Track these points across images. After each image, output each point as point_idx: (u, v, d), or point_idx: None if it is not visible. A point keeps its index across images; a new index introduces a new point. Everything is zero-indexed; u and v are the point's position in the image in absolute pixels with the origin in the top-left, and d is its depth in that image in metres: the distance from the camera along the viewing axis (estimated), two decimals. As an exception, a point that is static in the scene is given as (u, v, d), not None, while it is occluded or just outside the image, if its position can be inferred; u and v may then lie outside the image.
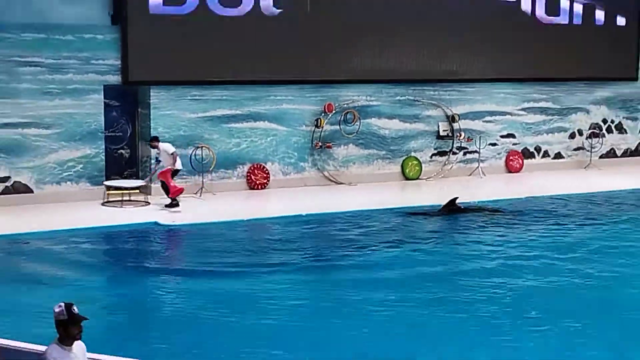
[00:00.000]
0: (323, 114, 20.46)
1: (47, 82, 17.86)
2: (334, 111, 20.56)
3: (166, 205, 17.74)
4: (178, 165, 17.95)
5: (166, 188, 17.86)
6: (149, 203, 18.05)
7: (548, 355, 10.20)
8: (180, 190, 17.76)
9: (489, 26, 22.20)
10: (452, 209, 18.12)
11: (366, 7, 20.66)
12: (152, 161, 18.30)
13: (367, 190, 20.08)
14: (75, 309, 6.81)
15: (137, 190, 18.30)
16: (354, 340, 10.68)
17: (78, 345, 6.89)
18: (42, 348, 7.81)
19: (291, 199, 18.96)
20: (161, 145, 18.00)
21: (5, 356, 8.65)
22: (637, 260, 15.58)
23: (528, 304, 12.26)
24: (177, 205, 17.67)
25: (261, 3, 19.50)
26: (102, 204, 17.89)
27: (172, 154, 17.80)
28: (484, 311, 11.86)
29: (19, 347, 8.74)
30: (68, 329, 6.75)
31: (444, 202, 18.55)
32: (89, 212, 17.32)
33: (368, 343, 10.64)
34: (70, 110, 18.05)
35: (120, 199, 17.97)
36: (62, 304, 6.80)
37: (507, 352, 10.24)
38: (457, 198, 18.33)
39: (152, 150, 18.44)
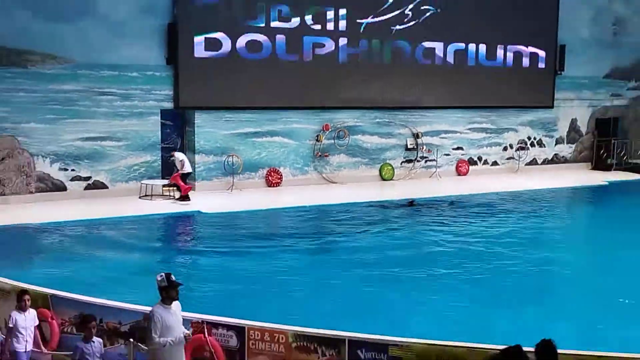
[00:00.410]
0: (322, 132, 20.60)
1: (118, 107, 17.97)
2: (330, 129, 20.70)
3: (177, 199, 17.51)
4: (186, 169, 17.58)
5: (178, 188, 17.53)
6: (173, 197, 17.69)
7: (491, 311, 10.30)
8: (189, 189, 17.61)
9: (444, 68, 22.37)
10: (411, 205, 18.16)
11: (353, 56, 20.89)
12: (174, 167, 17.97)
13: (354, 188, 20.15)
14: (173, 277, 6.88)
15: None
16: (343, 301, 10.81)
17: (175, 304, 6.95)
18: (146, 308, 7.88)
19: (298, 194, 19.00)
20: (176, 154, 17.90)
21: (115, 315, 8.58)
22: (552, 240, 15.86)
23: (478, 277, 12.11)
24: (188, 199, 17.40)
25: (277, 51, 19.67)
26: (139, 197, 17.80)
27: (181, 161, 17.57)
28: (443, 283, 11.83)
29: (127, 307, 8.70)
30: (168, 292, 6.83)
31: (410, 197, 18.73)
32: (150, 204, 17.37)
33: (353, 302, 10.76)
34: (135, 128, 18.20)
35: (169, 193, 17.91)
36: (163, 274, 6.88)
37: (465, 311, 10.32)
38: (414, 200, 18.44)
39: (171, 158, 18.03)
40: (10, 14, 16.40)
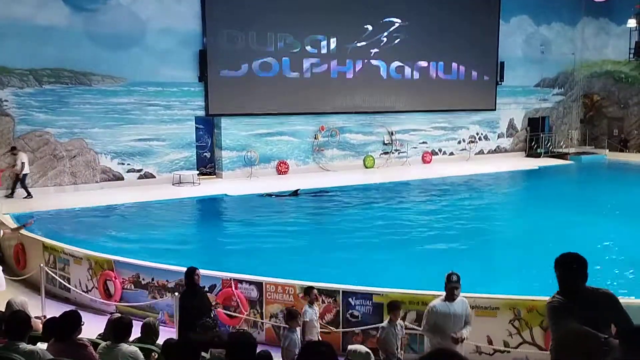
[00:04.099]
0: (319, 131, 20.45)
1: (162, 114, 17.76)
2: (325, 130, 20.54)
3: (25, 197, 14.68)
4: (25, 170, 14.68)
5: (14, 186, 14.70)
6: (199, 183, 17.37)
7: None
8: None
9: (411, 81, 22.14)
10: (296, 194, 16.92)
11: (342, 73, 20.64)
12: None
13: (343, 174, 19.85)
14: (454, 277, 5.65)
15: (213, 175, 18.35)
16: (331, 252, 10.98)
17: (460, 302, 5.69)
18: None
19: (301, 179, 18.67)
20: (20, 154, 14.57)
21: (163, 275, 8.34)
22: (494, 211, 15.78)
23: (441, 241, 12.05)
24: (30, 196, 14.71)
25: (283, 69, 19.47)
26: (172, 184, 17.31)
27: (23, 163, 14.48)
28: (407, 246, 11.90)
29: (173, 269, 8.43)
30: (447, 289, 5.68)
31: (389, 180, 18.60)
32: (188, 189, 17.13)
33: (338, 254, 10.93)
34: (176, 131, 18.02)
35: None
36: (453, 273, 5.71)
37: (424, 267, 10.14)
38: (299, 189, 16.89)
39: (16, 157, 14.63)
40: (78, 44, 16.22)
